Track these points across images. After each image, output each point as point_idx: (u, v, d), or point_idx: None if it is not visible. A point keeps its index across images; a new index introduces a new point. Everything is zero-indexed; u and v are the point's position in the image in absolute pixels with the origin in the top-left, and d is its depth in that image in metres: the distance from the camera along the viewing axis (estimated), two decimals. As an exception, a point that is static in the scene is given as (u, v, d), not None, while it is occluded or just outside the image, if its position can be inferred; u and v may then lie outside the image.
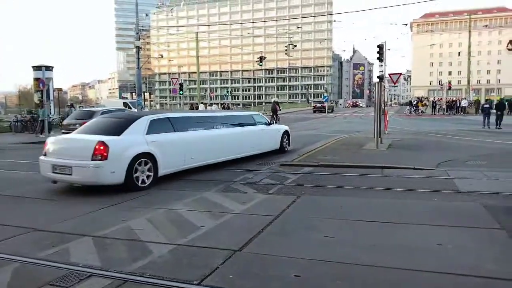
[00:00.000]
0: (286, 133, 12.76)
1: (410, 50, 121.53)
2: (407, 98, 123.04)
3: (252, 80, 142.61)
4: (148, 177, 7.41)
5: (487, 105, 23.67)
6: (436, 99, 51.52)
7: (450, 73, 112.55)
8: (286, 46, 35.47)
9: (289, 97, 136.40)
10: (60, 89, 33.44)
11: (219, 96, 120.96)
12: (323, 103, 49.87)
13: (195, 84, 72.51)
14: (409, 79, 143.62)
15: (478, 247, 4.10)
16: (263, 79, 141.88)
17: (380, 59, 19.28)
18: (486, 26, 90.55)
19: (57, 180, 7.37)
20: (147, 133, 7.67)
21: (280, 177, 8.42)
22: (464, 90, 62.15)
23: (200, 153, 8.86)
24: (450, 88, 59.63)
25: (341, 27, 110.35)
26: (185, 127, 8.74)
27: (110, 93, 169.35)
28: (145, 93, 74.91)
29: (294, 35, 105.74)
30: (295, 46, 36.39)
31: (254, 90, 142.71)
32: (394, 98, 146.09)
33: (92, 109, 21.19)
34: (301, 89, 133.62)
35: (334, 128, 19.99)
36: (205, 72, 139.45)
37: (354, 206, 5.87)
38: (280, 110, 29.97)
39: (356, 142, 14.60)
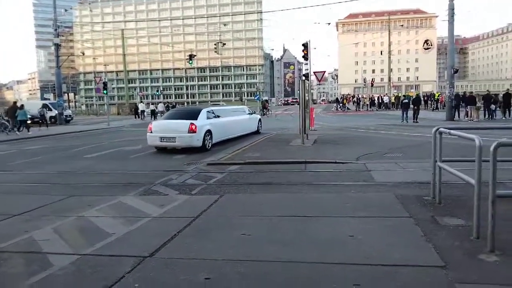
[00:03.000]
0: (259, 120, 18.51)
1: (337, 50, 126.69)
2: (335, 96, 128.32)
3: (184, 78, 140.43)
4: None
5: (406, 101, 25.27)
6: (360, 96, 54.17)
7: (373, 71, 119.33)
8: (215, 44, 35.24)
9: (223, 96, 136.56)
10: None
11: (149, 96, 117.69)
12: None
13: (123, 83, 69.77)
14: (336, 77, 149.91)
15: (387, 236, 4.25)
16: (196, 77, 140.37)
17: (305, 57, 19.77)
18: (402, 25, 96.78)
19: (165, 146, 12.83)
20: (207, 118, 13.48)
21: (206, 176, 8.35)
22: (386, 87, 65.97)
23: (230, 130, 14.93)
24: (373, 85, 63.33)
25: (270, 26, 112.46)
26: (222, 115, 14.72)
27: (31, 94, 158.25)
28: (69, 94, 70.70)
29: (224, 34, 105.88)
30: (224, 44, 36.31)
31: (187, 89, 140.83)
32: (323, 96, 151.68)
33: None
34: (235, 88, 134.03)
35: (265, 126, 20.35)
36: (134, 70, 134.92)
37: (274, 203, 5.87)
38: (269, 106, 43.24)
39: (284, 139, 14.96)
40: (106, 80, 30.77)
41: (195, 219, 5.14)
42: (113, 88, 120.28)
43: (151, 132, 12.89)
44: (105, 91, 28.49)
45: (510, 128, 13.29)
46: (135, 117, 39.69)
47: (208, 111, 13.81)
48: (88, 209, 5.81)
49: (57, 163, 11.10)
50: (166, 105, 46.73)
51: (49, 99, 52.85)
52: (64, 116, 33.11)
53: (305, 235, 4.37)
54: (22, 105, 24.43)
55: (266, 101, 43.99)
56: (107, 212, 5.68)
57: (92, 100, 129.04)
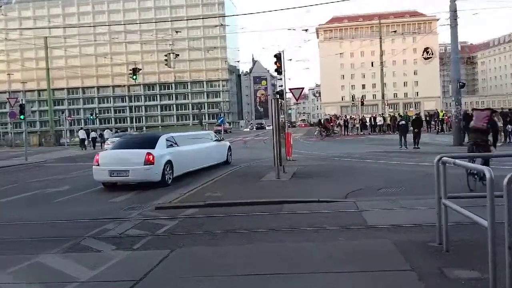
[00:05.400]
0: (229, 148, 19.17)
1: (318, 61, 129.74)
2: (318, 116, 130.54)
3: (127, 98, 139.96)
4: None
5: (403, 122, 25.92)
6: (347, 116, 55.34)
7: (363, 86, 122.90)
8: (166, 56, 35.40)
9: (178, 119, 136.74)
10: None
11: (81, 121, 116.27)
12: (220, 126, 51.96)
13: (47, 105, 68.65)
14: (319, 94, 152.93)
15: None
16: (142, 96, 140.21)
17: (279, 71, 20.21)
18: (394, 31, 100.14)
19: (115, 182, 13.28)
20: (166, 147, 14.17)
21: (153, 224, 8.32)
22: (380, 105, 67.85)
23: (194, 160, 15.68)
24: (363, 104, 64.99)
25: (236, 32, 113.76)
26: (184, 143, 15.44)
27: None
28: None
29: (178, 42, 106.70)
30: (178, 55, 36.56)
31: (131, 111, 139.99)
32: (304, 116, 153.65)
33: None
34: (193, 109, 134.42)
35: (235, 156, 20.36)
36: (62, 89, 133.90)
37: (241, 258, 5.81)
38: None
39: (255, 172, 15.14)
40: (23, 102, 30.20)
41: (137, 283, 5.02)
42: (34, 111, 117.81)
43: (98, 165, 13.31)
44: (22, 116, 27.87)
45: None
46: (82, 148, 40.58)
47: (167, 138, 14.51)
48: (-7, 274, 5.56)
49: (-45, 213, 10.70)
50: (114, 131, 47.77)
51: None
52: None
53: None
54: None
55: (328, 120, 49.13)
56: (20, 277, 5.46)
57: (6, 128, 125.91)
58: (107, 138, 38.72)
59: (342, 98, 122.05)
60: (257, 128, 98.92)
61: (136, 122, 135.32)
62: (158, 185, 13.04)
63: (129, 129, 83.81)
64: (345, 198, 9.79)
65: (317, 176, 13.70)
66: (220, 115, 64.03)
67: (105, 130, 47.85)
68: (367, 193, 10.31)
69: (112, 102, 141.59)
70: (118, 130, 51.74)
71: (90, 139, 43.25)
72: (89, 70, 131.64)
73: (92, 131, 47.98)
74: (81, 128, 48.06)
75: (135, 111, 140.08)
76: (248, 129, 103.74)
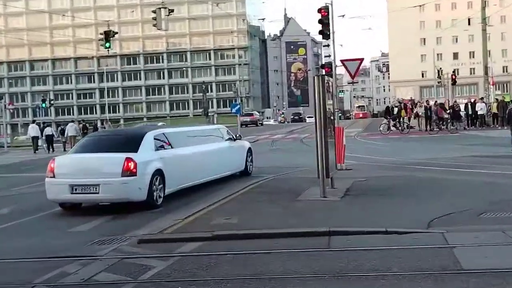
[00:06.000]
0: (249, 151, 19.36)
1: (385, 19, 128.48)
2: (385, 102, 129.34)
3: (95, 77, 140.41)
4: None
5: (517, 111, 25.50)
6: (431, 103, 54.52)
7: (455, 56, 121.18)
8: (154, 12, 35.48)
9: (173, 107, 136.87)
10: None
11: (29, 110, 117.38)
12: (252, 115, 53.01)
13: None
14: (386, 69, 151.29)
15: None
16: (119, 74, 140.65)
17: (325, 34, 20.04)
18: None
19: (79, 202, 13.42)
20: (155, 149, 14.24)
21: (135, 266, 8.29)
22: (482, 84, 66.92)
23: (197, 170, 15.78)
24: (455, 83, 63.95)
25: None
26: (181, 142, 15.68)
27: None
28: None
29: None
30: (172, 11, 36.31)
31: (102, 95, 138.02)
32: (362, 101, 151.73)
33: None
34: (194, 92, 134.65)
35: (258, 162, 20.65)
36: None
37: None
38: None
39: (288, 188, 15.02)
40: None
41: None
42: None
43: (53, 176, 13.22)
44: None
45: None
46: (34, 151, 41.14)
47: (156, 137, 14.41)
48: None
49: None
50: (82, 125, 47.42)
51: None
52: None
53: None
54: None
55: (441, 104, 47.86)
56: None
57: None
58: (76, 136, 38.98)
59: (423, 74, 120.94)
60: (292, 121, 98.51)
61: (110, 112, 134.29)
62: (143, 206, 12.95)
63: (103, 123, 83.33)
64: (427, 227, 9.68)
65: (384, 193, 13.59)
66: (235, 100, 63.85)
67: (69, 124, 46.23)
68: (461, 220, 10.19)
69: (74, 82, 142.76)
70: (89, 125, 51.03)
71: (44, 137, 43.10)
72: (40, 34, 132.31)
73: (47, 126, 47.35)
74: (34, 121, 48.16)
75: (108, 96, 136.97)
76: (278, 122, 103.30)
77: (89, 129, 48.07)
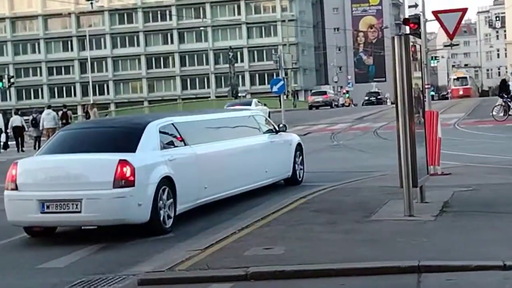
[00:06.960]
0: (298, 148, 17.18)
1: None
2: (498, 74, 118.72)
3: (75, 42, 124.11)
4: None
5: None
6: None
7: None
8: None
9: (185, 87, 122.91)
10: None
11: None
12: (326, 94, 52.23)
13: None
14: (501, 23, 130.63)
15: None
16: (108, 37, 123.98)
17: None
18: None
19: (53, 225, 11.60)
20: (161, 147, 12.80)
21: None
22: None
23: (223, 178, 14.16)
24: None
25: None
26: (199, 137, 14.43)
27: None
28: None
29: None
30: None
31: (84, 69, 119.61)
32: (465, 71, 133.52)
33: None
34: (216, 62, 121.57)
35: (308, 164, 19.41)
36: None
37: None
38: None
39: (356, 201, 13.43)
40: None
41: None
42: None
43: (16, 188, 11.10)
44: None
45: None
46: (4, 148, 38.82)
47: (163, 128, 12.31)
48: None
49: None
50: (62, 113, 42.46)
51: None
52: None
53: None
54: None
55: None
56: None
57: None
58: (55, 128, 34.84)
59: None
60: (367, 103, 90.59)
61: (95, 94, 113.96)
62: (145, 231, 11.14)
63: (86, 110, 76.70)
64: None
65: (499, 210, 11.52)
66: (278, 74, 55.41)
67: (45, 111, 40.99)
68: None
69: (44, 51, 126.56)
70: (72, 113, 48.01)
71: (10, 130, 38.70)
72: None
73: (15, 114, 42.09)
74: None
75: (92, 70, 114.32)
76: (340, 105, 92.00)
77: (72, 119, 43.51)
